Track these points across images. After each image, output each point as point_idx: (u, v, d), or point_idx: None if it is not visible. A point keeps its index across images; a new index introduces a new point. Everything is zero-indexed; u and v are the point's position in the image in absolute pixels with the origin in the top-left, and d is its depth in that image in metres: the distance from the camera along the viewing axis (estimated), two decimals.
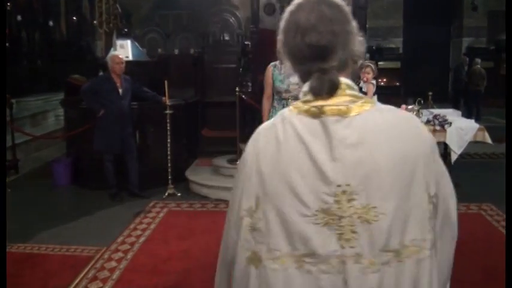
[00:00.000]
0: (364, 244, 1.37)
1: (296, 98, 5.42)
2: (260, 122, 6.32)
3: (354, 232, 1.36)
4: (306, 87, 1.44)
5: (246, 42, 8.26)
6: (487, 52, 17.89)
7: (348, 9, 1.45)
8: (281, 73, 5.38)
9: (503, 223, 5.74)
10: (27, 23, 13.84)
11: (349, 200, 1.36)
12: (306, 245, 1.37)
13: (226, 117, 7.95)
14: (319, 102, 1.39)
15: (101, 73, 7.54)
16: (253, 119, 7.84)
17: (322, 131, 1.37)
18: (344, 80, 1.43)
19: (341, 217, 1.35)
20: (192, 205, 6.54)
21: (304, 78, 1.46)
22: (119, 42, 8.07)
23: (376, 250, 1.37)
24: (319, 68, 1.40)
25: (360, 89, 5.45)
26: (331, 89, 1.40)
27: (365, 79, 5.45)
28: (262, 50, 8.16)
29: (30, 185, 7.51)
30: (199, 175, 7.33)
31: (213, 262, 5.00)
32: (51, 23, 15.29)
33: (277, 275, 1.40)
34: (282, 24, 1.46)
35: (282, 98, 5.43)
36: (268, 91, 5.50)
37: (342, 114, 1.38)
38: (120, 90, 6.62)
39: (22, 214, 6.14)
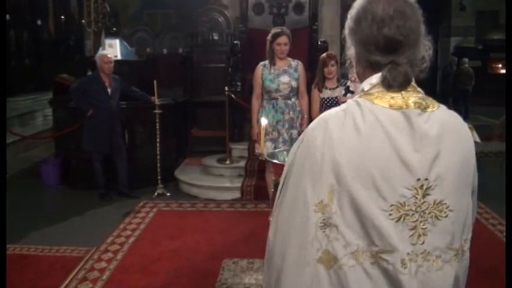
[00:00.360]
0: (432, 241, 1.37)
1: (286, 97, 5.47)
2: (249, 121, 6.36)
3: (424, 228, 1.36)
4: (375, 78, 1.42)
5: (235, 42, 8.23)
6: (475, 51, 18.02)
7: (420, 10, 1.45)
8: (271, 72, 5.39)
9: (492, 221, 5.79)
10: (15, 22, 13.75)
11: (424, 195, 1.35)
12: (383, 240, 1.33)
13: (216, 116, 7.95)
14: (400, 94, 1.38)
15: (89, 72, 7.51)
16: (242, 118, 7.84)
17: (405, 123, 1.35)
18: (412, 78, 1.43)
19: (415, 212, 1.34)
20: (181, 205, 6.54)
21: (367, 69, 1.45)
22: (107, 41, 8.04)
23: (442, 247, 1.38)
24: (392, 60, 1.39)
25: (348, 88, 5.47)
26: (404, 82, 1.39)
27: (353, 78, 5.47)
28: (251, 49, 8.15)
29: (18, 185, 7.46)
30: (188, 175, 7.32)
31: (203, 261, 5.04)
32: (39, 22, 15.20)
33: (355, 271, 1.34)
34: (355, 11, 1.43)
35: (272, 98, 5.46)
36: (257, 90, 5.52)
37: (422, 108, 1.37)
38: (109, 90, 6.59)
39: (11, 215, 6.09)
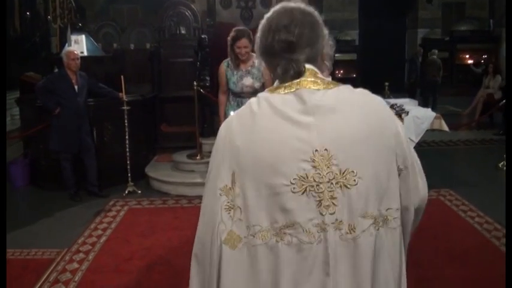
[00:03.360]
0: (343, 210, 1.39)
1: (252, 94, 5.45)
2: (218, 116, 6.31)
3: (333, 198, 1.39)
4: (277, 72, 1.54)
5: (202, 36, 8.18)
6: (442, 43, 18.24)
7: (319, 17, 1.57)
8: (234, 74, 5.38)
9: (463, 207, 5.89)
10: None
11: (328, 166, 1.38)
12: (285, 216, 1.38)
13: (185, 112, 7.89)
14: (291, 82, 1.48)
15: (56, 70, 7.38)
16: (212, 113, 7.80)
17: (297, 101, 1.43)
18: (310, 66, 1.51)
19: (320, 183, 1.37)
20: (152, 202, 6.48)
21: (274, 70, 1.55)
22: (73, 37, 7.91)
23: (356, 216, 1.40)
24: (287, 58, 1.49)
25: None
26: (296, 73, 1.49)
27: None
28: (220, 43, 8.11)
29: None
30: (159, 171, 7.27)
31: (176, 258, 4.99)
32: None
33: (258, 250, 1.40)
34: (259, 28, 1.57)
35: (237, 96, 5.47)
36: (223, 87, 5.53)
37: (315, 88, 1.46)
38: (76, 87, 6.49)
39: None
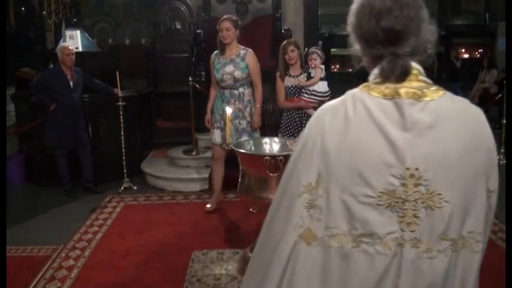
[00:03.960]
0: (424, 230, 1.36)
1: (232, 88, 5.48)
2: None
3: (416, 217, 1.36)
4: (376, 69, 1.44)
5: (198, 31, 8.13)
6: (438, 37, 18.21)
7: None
8: (219, 61, 5.44)
9: None
10: None
11: (416, 185, 1.35)
12: (365, 225, 1.37)
13: (181, 107, 7.85)
14: (394, 85, 1.39)
15: (51, 65, 7.34)
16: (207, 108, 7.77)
17: (396, 112, 1.36)
18: (416, 66, 1.44)
19: (405, 200, 1.35)
20: (148, 198, 6.46)
21: (373, 63, 1.46)
22: (68, 32, 7.86)
23: (435, 237, 1.37)
24: (392, 52, 1.39)
25: (309, 75, 5.47)
26: (402, 74, 1.40)
27: (313, 65, 5.48)
28: (215, 38, 8.07)
29: None
30: (154, 167, 7.24)
31: (172, 254, 4.99)
32: None
33: (332, 252, 1.40)
34: (355, 6, 1.45)
35: (220, 87, 5.52)
36: (212, 79, 5.61)
37: (417, 98, 1.37)
38: (71, 83, 6.46)
39: None
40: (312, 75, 5.46)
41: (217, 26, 5.37)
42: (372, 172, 1.35)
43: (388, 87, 1.39)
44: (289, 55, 5.48)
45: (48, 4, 8.19)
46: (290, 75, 5.56)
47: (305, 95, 5.49)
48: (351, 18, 1.47)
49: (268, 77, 5.95)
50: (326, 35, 18.54)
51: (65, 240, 5.15)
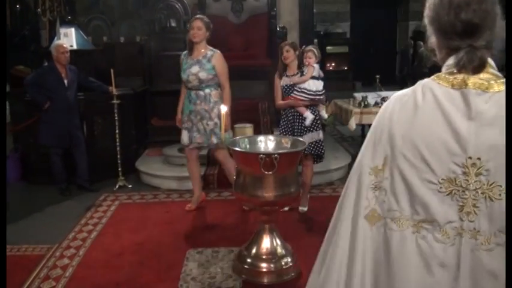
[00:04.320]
0: (483, 221, 1.39)
1: (198, 89, 5.41)
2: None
3: (475, 207, 1.39)
4: (451, 60, 1.48)
5: None
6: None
7: None
8: (187, 62, 5.42)
9: None
10: None
11: (477, 174, 1.39)
12: (426, 211, 1.42)
13: (176, 105, 7.80)
14: (463, 75, 1.44)
15: (45, 63, 7.31)
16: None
17: (462, 102, 1.41)
18: (489, 60, 1.48)
19: (466, 189, 1.39)
20: (143, 196, 6.44)
21: (449, 54, 1.50)
22: (62, 30, 7.83)
23: (494, 229, 1.39)
24: (469, 44, 1.44)
25: (302, 72, 5.46)
26: (480, 65, 1.44)
27: (307, 63, 5.47)
28: (210, 36, 8.05)
29: None
30: (149, 165, 7.22)
31: (167, 253, 4.97)
32: None
33: (393, 235, 1.46)
34: (432, 1, 1.51)
35: (187, 88, 5.50)
36: (182, 79, 5.56)
37: (484, 89, 1.41)
38: (66, 81, 6.44)
39: None
40: (304, 72, 5.46)
41: (188, 25, 5.38)
42: (436, 159, 1.41)
43: (456, 78, 1.44)
44: (284, 55, 5.47)
45: (43, 2, 8.16)
46: (286, 75, 5.55)
47: (295, 92, 5.48)
48: (429, 12, 1.52)
49: (264, 75, 5.94)
50: (321, 33, 18.54)
51: (59, 239, 5.13)
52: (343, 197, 1.60)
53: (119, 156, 6.76)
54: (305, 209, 5.68)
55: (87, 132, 6.99)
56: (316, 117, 5.49)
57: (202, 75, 5.34)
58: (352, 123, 7.20)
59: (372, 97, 7.57)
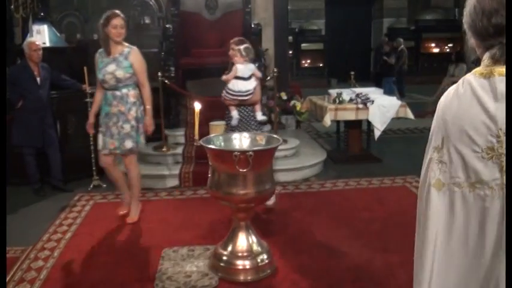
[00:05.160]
0: None
1: (114, 89, 5.16)
2: (184, 107, 6.17)
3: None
4: (486, 55, 1.84)
5: (167, 26, 8.06)
6: (408, 32, 18.42)
7: None
8: (103, 61, 5.17)
9: None
10: None
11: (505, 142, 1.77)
12: (476, 174, 1.80)
13: None
14: (491, 68, 1.79)
15: (18, 61, 7.21)
16: (177, 104, 7.71)
17: (489, 87, 1.77)
18: None
19: (501, 154, 1.76)
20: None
21: (485, 51, 1.86)
22: (35, 27, 7.74)
23: None
24: (500, 42, 1.80)
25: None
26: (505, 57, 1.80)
27: (232, 60, 5.45)
28: (184, 33, 8.01)
29: None
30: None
31: (142, 252, 4.91)
32: None
33: (456, 195, 1.85)
34: (469, 9, 1.86)
35: (104, 89, 5.22)
36: (98, 79, 5.27)
37: (503, 75, 1.76)
38: (38, 79, 6.36)
39: None
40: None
41: (106, 21, 5.07)
42: (477, 134, 1.78)
43: (487, 70, 1.80)
44: (229, 53, 5.46)
45: None
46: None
47: (223, 91, 5.49)
48: (466, 19, 1.88)
49: None
50: (296, 30, 18.58)
51: (34, 240, 5.05)
52: (422, 171, 1.97)
53: (93, 155, 6.68)
54: (270, 203, 5.49)
55: (60, 131, 6.91)
56: (250, 118, 5.49)
57: (120, 73, 5.08)
58: (327, 120, 7.25)
59: (346, 93, 7.61)
